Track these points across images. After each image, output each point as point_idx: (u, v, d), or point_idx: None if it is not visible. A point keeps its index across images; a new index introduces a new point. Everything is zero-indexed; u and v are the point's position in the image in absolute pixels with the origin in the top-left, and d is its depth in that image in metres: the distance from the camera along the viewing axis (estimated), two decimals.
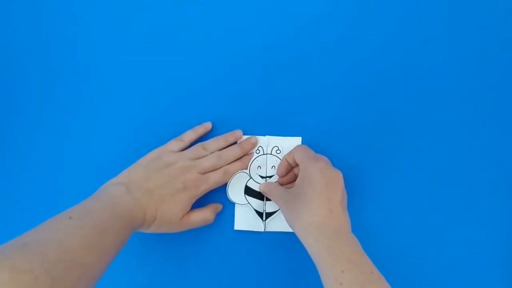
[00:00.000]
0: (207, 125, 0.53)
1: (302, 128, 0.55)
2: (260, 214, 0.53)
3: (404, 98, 0.55)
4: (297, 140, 0.54)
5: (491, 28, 0.56)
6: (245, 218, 0.53)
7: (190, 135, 0.52)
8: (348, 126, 0.55)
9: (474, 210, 0.53)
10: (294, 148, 0.51)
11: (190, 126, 0.54)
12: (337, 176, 0.46)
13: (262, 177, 0.53)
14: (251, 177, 0.53)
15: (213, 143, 0.51)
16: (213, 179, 0.49)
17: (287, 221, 0.46)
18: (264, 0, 0.57)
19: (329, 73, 0.56)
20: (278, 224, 0.53)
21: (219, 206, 0.53)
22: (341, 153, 0.54)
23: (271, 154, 0.54)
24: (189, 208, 0.48)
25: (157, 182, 0.45)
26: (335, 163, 0.53)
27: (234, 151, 0.52)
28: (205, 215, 0.50)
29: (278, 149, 0.54)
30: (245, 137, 0.53)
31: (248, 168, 0.53)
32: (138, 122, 0.55)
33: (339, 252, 0.40)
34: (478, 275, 0.52)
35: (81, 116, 0.55)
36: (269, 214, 0.53)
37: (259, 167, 0.54)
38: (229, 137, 0.52)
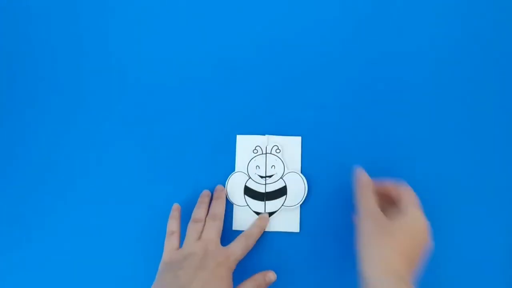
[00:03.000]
0: (177, 207, 0.51)
1: (302, 127, 0.54)
2: (260, 214, 0.52)
3: (405, 98, 0.54)
4: (296, 140, 0.53)
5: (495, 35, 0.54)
6: (244, 218, 0.52)
7: (174, 224, 0.50)
8: (348, 126, 0.53)
9: (473, 211, 0.51)
10: (406, 190, 0.45)
11: (194, 123, 0.54)
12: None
13: (261, 176, 0.53)
14: (250, 177, 0.53)
15: (200, 212, 0.50)
16: (234, 248, 0.48)
17: (362, 252, 0.41)
18: (269, 1, 0.56)
19: (329, 73, 0.55)
20: (278, 224, 0.52)
21: (270, 275, 0.49)
22: (341, 153, 0.53)
23: (270, 153, 0.53)
24: (231, 282, 0.46)
25: (189, 275, 0.43)
26: (335, 164, 0.53)
27: (220, 204, 0.51)
28: (255, 282, 0.47)
29: (278, 148, 0.53)
30: (216, 190, 0.53)
31: (246, 168, 0.53)
32: (138, 117, 0.55)
33: None
34: (479, 275, 0.50)
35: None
36: (269, 215, 0.52)
37: (257, 167, 0.53)
38: (205, 198, 0.52)
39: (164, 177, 0.54)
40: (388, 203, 0.45)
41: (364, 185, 0.46)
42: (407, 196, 0.44)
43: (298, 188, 0.52)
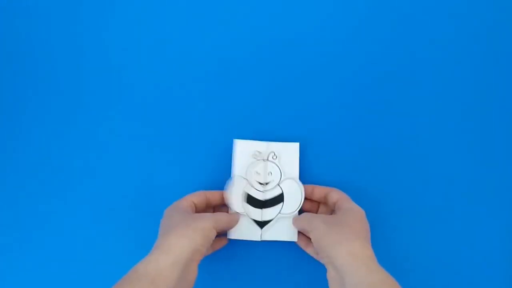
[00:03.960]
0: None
1: (300, 133, 0.54)
2: (258, 222, 0.51)
3: (403, 104, 0.54)
4: (294, 146, 0.53)
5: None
6: (239, 227, 0.51)
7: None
8: (346, 133, 0.54)
9: (474, 212, 0.52)
10: (332, 189, 0.50)
11: (191, 127, 0.54)
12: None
13: (260, 183, 0.52)
14: (249, 184, 0.52)
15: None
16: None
17: (324, 243, 0.43)
18: (265, 4, 0.56)
19: (327, 78, 0.55)
20: (274, 233, 0.51)
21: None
22: (338, 159, 0.53)
23: (267, 159, 0.53)
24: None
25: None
26: (332, 169, 0.53)
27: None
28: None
29: (274, 155, 0.53)
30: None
31: (246, 172, 0.52)
32: (136, 120, 0.55)
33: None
34: (479, 275, 0.51)
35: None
36: (265, 223, 0.51)
37: (257, 173, 0.52)
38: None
39: (162, 181, 0.53)
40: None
41: (307, 221, 0.47)
42: (338, 193, 0.48)
43: (295, 195, 0.51)
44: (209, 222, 0.44)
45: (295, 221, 0.50)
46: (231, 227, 0.49)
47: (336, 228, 0.43)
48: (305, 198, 0.51)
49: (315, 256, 0.50)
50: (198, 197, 0.48)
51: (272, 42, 0.56)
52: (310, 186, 0.51)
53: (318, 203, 0.52)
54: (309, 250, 0.50)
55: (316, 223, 0.44)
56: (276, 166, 0.52)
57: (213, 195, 0.50)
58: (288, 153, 0.53)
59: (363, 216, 0.45)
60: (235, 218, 0.49)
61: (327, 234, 0.42)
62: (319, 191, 0.50)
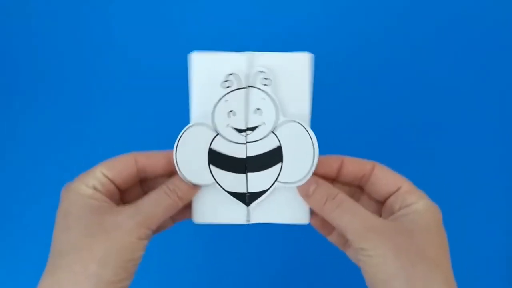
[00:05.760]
0: None
1: None
2: (239, 196, 0.30)
3: (404, 99, 0.50)
4: (302, 59, 0.29)
5: None
6: (210, 205, 0.30)
7: None
8: (347, 129, 0.48)
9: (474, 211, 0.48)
10: (376, 165, 0.29)
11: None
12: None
13: (239, 130, 0.30)
14: (218, 133, 0.30)
15: None
16: None
17: (386, 276, 0.25)
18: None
19: (330, 74, 0.47)
20: (269, 212, 0.30)
21: None
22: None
23: (253, 86, 0.29)
24: None
25: None
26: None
27: None
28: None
29: (266, 77, 0.29)
30: None
31: (212, 113, 0.29)
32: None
33: None
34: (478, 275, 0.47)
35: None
36: (254, 196, 0.30)
37: (231, 113, 0.29)
38: None
39: None
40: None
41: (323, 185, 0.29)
42: (392, 176, 0.28)
43: (302, 151, 0.28)
44: (130, 231, 0.25)
45: (313, 195, 0.28)
46: (178, 207, 0.28)
47: (409, 251, 0.25)
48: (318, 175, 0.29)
49: (340, 246, 0.31)
50: (119, 166, 0.28)
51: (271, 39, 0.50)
52: (336, 158, 0.29)
53: (332, 179, 0.30)
54: (332, 238, 0.31)
55: (371, 233, 0.26)
56: (268, 97, 0.29)
57: (149, 160, 0.29)
58: (292, 73, 0.29)
59: (441, 228, 0.27)
60: (185, 193, 0.28)
61: (395, 260, 0.25)
62: (353, 166, 0.29)
